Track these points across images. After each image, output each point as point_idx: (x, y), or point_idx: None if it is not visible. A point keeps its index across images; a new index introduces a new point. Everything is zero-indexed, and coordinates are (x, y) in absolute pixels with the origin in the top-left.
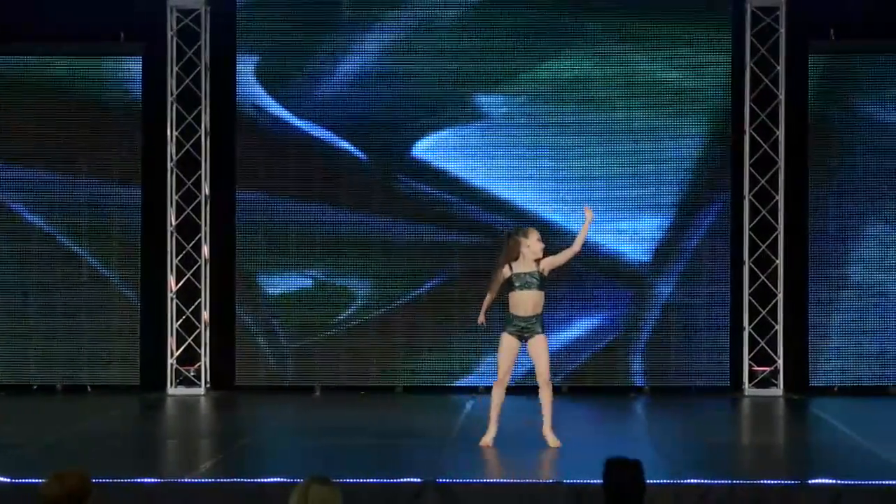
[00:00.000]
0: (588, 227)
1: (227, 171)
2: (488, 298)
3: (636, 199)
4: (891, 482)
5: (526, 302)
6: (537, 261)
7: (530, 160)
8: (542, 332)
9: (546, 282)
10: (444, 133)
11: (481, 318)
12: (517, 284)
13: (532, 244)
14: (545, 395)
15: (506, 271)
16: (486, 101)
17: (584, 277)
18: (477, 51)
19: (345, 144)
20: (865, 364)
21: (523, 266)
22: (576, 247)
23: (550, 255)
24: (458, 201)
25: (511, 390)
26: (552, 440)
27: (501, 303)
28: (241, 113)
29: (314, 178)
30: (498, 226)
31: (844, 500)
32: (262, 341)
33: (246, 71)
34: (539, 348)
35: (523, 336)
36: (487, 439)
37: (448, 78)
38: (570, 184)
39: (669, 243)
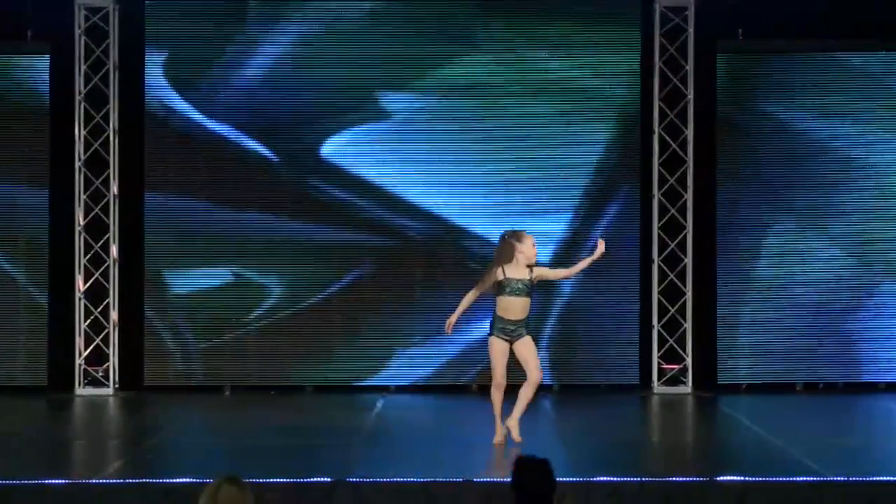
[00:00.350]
0: (594, 260)
1: (136, 170)
2: (470, 296)
3: (543, 200)
4: (797, 479)
5: (515, 307)
6: (530, 267)
7: (437, 160)
8: (529, 334)
9: (534, 289)
10: (352, 133)
11: (452, 320)
12: (507, 290)
13: (526, 249)
14: (527, 392)
15: (498, 274)
16: (393, 100)
17: None
18: (385, 50)
19: (254, 144)
20: (773, 362)
21: (515, 271)
22: (572, 270)
23: (545, 266)
24: (367, 202)
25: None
26: (515, 433)
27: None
28: (150, 112)
29: (224, 177)
30: (406, 227)
31: (751, 497)
32: (170, 341)
33: (154, 70)
34: (528, 349)
35: (511, 338)
36: (498, 438)
37: (356, 77)
38: (478, 184)
39: (576, 242)
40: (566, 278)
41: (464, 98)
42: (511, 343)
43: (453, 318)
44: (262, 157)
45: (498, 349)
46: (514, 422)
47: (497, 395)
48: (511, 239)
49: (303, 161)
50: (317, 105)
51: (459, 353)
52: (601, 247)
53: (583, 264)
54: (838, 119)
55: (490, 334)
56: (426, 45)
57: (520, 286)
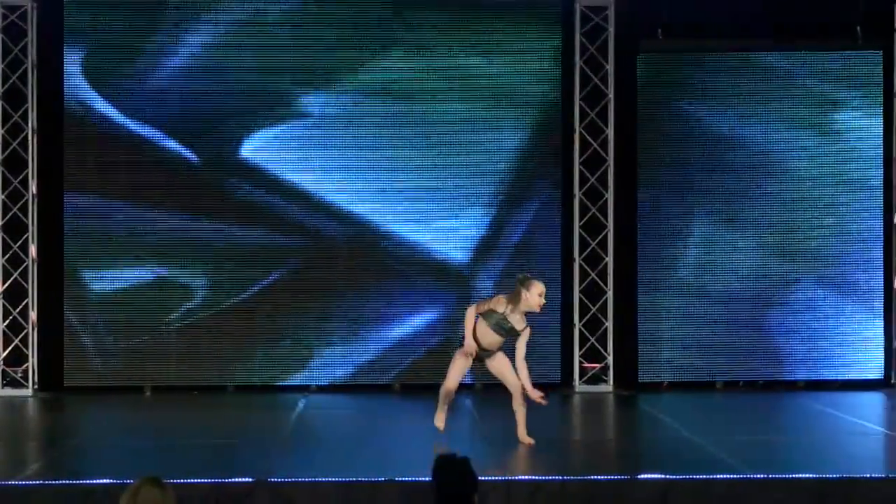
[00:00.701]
0: (527, 392)
1: (56, 170)
2: (471, 313)
3: (462, 198)
4: (718, 477)
5: (490, 339)
6: (526, 314)
7: (356, 159)
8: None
9: (511, 336)
10: (271, 132)
11: (470, 342)
12: (492, 321)
13: (529, 297)
14: (519, 407)
15: (499, 306)
16: (312, 99)
17: (412, 277)
18: (303, 48)
19: (174, 144)
20: (693, 360)
21: (512, 313)
22: (520, 370)
23: (526, 339)
24: (287, 202)
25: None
26: (528, 440)
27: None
28: (69, 111)
29: (143, 177)
30: (326, 227)
31: (673, 495)
32: (90, 342)
33: (73, 69)
34: (501, 364)
35: (481, 357)
36: (439, 423)
37: (274, 76)
38: (397, 183)
39: (496, 240)
40: (516, 361)
41: (383, 96)
42: (480, 361)
43: (469, 340)
44: (182, 157)
45: (460, 364)
46: (524, 437)
47: (446, 396)
48: (520, 285)
49: (223, 161)
50: (236, 105)
51: (382, 352)
52: (539, 398)
53: (524, 378)
54: (756, 118)
55: (460, 345)
56: (345, 43)
57: (504, 326)
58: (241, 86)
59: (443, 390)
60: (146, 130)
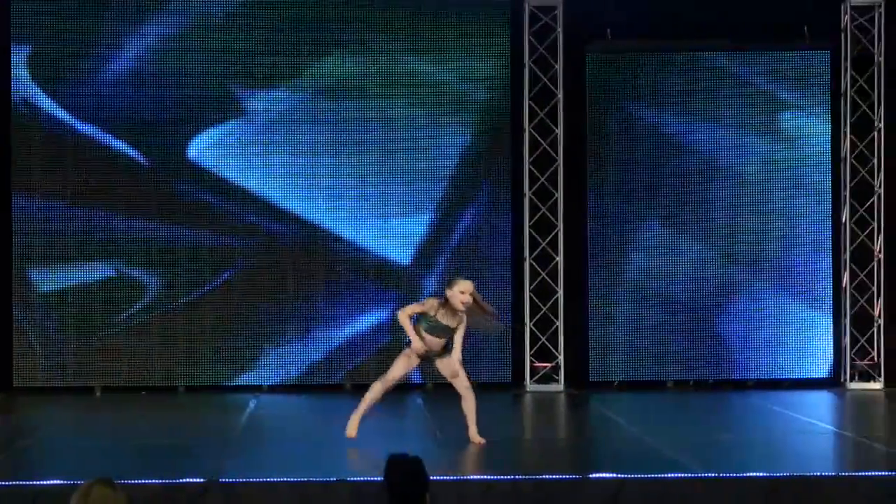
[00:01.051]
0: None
1: (3, 169)
2: (410, 322)
3: (409, 199)
4: (669, 475)
5: (430, 341)
6: (461, 313)
7: (302, 160)
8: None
9: (448, 334)
10: (217, 133)
11: (416, 342)
12: (424, 326)
13: (453, 296)
14: (469, 403)
15: (429, 309)
16: (258, 99)
17: (360, 277)
18: (249, 48)
19: (120, 144)
20: (644, 359)
21: (444, 314)
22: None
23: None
24: (233, 203)
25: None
26: (479, 440)
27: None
28: (16, 109)
29: (91, 177)
30: (273, 229)
31: (625, 494)
32: (39, 342)
33: (20, 65)
34: (449, 364)
35: (430, 357)
36: (351, 432)
37: (221, 75)
38: (343, 184)
39: (445, 241)
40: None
41: (331, 97)
42: (429, 360)
43: (415, 340)
44: (129, 156)
45: (403, 362)
46: (475, 436)
47: (378, 389)
48: (447, 285)
49: (169, 161)
50: (182, 104)
51: (332, 352)
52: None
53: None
54: (703, 118)
55: (407, 343)
56: (291, 43)
57: (438, 327)
58: (188, 86)
59: (378, 385)
60: (92, 129)
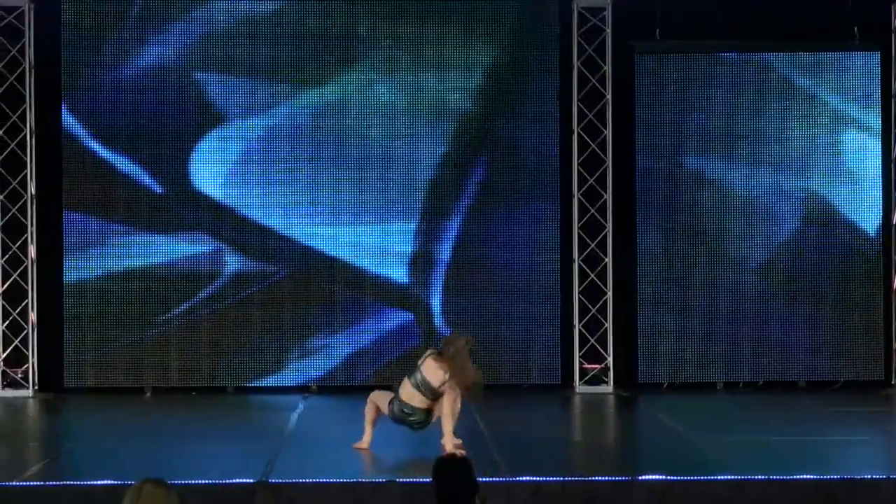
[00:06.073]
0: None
1: (55, 170)
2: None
3: (460, 196)
4: (717, 478)
5: (413, 397)
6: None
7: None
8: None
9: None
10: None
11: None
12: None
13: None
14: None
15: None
16: (277, 112)
17: (407, 270)
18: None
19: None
20: (693, 361)
21: (431, 369)
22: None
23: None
24: (283, 207)
25: None
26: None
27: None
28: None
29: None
30: (321, 232)
31: (673, 496)
32: (90, 342)
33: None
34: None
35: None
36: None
37: (218, 92)
38: (403, 182)
39: (493, 242)
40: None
41: (394, 96)
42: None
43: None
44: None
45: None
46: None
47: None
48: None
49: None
50: (174, 122)
51: (386, 351)
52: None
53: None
54: (752, 117)
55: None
56: (338, 47)
57: (422, 384)
58: (182, 103)
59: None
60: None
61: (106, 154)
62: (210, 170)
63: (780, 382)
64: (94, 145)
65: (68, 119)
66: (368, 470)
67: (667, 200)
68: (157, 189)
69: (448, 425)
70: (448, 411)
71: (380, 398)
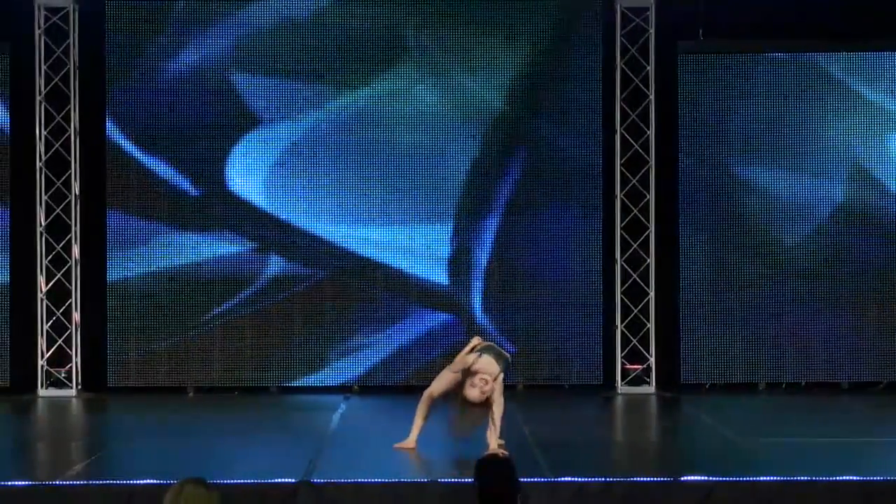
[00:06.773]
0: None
1: (98, 170)
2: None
3: (501, 197)
4: (761, 479)
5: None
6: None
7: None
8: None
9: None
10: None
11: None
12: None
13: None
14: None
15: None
16: (310, 115)
17: (446, 271)
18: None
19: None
20: (735, 362)
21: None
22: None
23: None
24: (324, 204)
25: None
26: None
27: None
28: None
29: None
30: (362, 233)
31: (715, 497)
32: (133, 342)
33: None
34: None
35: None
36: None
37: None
38: (442, 180)
39: (535, 241)
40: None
41: (444, 96)
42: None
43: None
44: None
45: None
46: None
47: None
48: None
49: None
50: (214, 124)
51: (427, 352)
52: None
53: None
54: (797, 117)
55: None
56: (387, 47)
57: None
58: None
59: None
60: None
61: (148, 155)
62: (250, 171)
63: (823, 383)
64: (137, 146)
65: (111, 120)
66: (410, 470)
67: (710, 201)
68: (196, 192)
69: (497, 420)
70: (499, 411)
71: (436, 383)
